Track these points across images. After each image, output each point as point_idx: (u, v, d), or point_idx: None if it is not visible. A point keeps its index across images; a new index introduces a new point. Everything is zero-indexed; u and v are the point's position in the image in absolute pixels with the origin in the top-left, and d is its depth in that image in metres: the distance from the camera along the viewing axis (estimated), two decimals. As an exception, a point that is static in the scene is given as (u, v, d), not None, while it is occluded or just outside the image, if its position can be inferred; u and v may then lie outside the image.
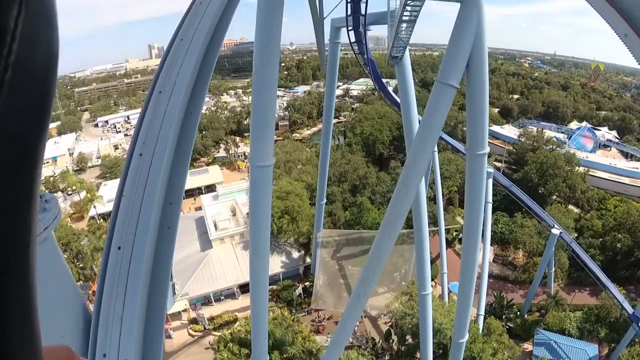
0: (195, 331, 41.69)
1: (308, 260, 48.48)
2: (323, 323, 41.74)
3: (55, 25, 0.73)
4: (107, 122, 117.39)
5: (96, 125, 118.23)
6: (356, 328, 39.31)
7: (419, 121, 20.74)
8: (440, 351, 31.29)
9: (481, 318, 35.07)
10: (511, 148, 73.00)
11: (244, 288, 44.31)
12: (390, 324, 37.49)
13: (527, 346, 37.99)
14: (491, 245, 50.72)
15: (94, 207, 57.49)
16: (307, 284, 46.20)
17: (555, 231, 33.60)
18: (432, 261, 45.43)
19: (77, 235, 44.86)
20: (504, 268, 49.85)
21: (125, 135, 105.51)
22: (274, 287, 46.06)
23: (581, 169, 59.10)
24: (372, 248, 15.86)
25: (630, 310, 28.74)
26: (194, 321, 42.47)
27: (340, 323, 19.64)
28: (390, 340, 34.49)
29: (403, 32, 19.32)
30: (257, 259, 14.05)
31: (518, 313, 39.87)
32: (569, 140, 76.40)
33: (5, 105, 0.60)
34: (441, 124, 12.64)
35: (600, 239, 44.31)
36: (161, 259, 4.33)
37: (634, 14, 8.67)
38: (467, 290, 18.57)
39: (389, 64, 23.22)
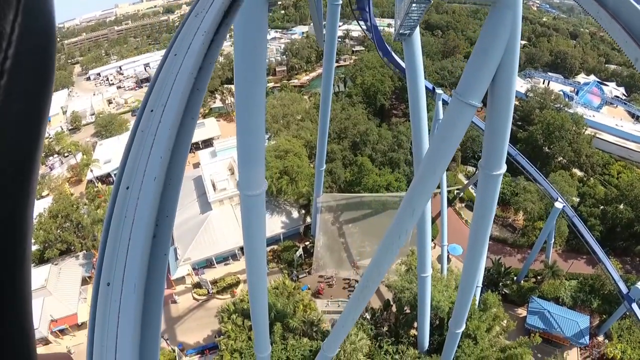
0: (200, 295, 42.84)
1: (308, 220, 48.49)
2: (331, 282, 42.68)
3: (53, 27, 0.76)
4: (99, 74, 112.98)
5: (88, 79, 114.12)
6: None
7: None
8: (437, 322, 32.24)
9: (478, 290, 35.72)
10: (517, 104, 70.41)
11: None
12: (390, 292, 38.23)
13: (522, 312, 39.27)
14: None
15: (91, 171, 56.80)
16: (307, 243, 46.50)
17: (559, 205, 33.10)
18: (432, 220, 45.65)
19: (75, 205, 44.59)
20: (503, 230, 50.15)
21: (118, 87, 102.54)
22: (275, 247, 46.51)
23: (588, 131, 57.51)
24: (373, 259, 15.36)
25: (624, 290, 29.14)
26: (197, 285, 43.60)
27: (339, 321, 19.83)
28: (389, 311, 35.28)
29: (414, 10, 17.03)
30: (255, 281, 13.50)
31: (515, 279, 40.72)
32: (577, 95, 73.60)
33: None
34: (455, 145, 11.33)
35: (602, 207, 44.07)
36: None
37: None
38: (469, 287, 18.35)
39: (396, 40, 20.95)
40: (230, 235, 45.16)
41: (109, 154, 61.87)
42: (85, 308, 39.87)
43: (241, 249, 44.80)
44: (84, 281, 42.58)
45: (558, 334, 33.67)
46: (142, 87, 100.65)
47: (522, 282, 40.75)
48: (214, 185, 48.71)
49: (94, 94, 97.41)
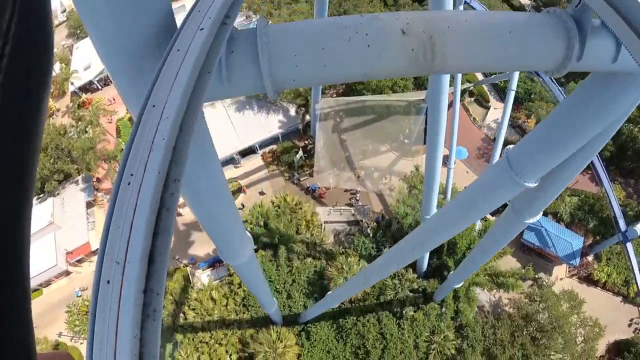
0: None
1: (308, 117, 45.80)
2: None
3: (50, 27, 0.78)
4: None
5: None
6: (358, 196, 40.62)
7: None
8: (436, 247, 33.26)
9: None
10: None
11: (244, 153, 44.14)
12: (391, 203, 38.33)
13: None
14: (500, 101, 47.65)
15: (72, 83, 52.01)
16: (307, 142, 45.06)
17: None
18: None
19: (62, 131, 42.19)
20: (512, 131, 47.89)
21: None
22: (274, 147, 45.22)
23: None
24: (377, 263, 14.49)
25: (622, 227, 28.87)
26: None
27: (343, 289, 20.15)
28: (390, 230, 35.51)
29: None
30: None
31: None
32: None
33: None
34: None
35: None
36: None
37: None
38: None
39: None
40: (227, 139, 42.94)
41: (88, 58, 55.42)
42: (95, 235, 41.33)
43: (240, 153, 43.96)
44: (88, 205, 43.12)
45: (551, 252, 35.16)
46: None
47: (523, 194, 40.73)
48: (201, 92, 45.01)
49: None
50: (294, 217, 35.86)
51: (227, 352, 30.49)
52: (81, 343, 36.37)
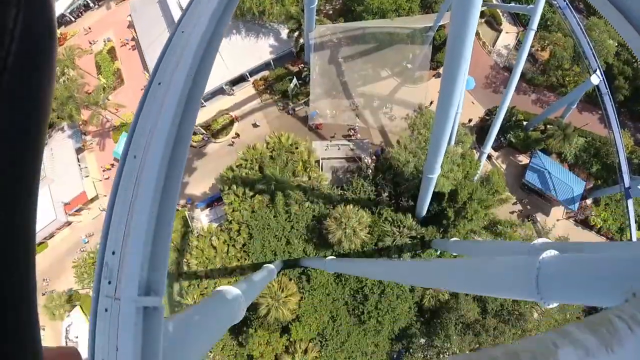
0: (194, 142, 40.85)
1: (301, 40, 41.67)
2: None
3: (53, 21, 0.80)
4: None
5: None
6: (357, 128, 39.28)
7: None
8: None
9: (484, 157, 34.50)
10: None
11: (235, 81, 41.79)
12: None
13: (522, 159, 39.46)
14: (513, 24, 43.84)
15: None
16: (301, 66, 41.95)
17: (595, 80, 27.92)
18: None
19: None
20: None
21: None
22: (265, 74, 42.51)
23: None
24: (373, 266, 14.13)
25: (627, 182, 27.72)
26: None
27: (341, 266, 19.91)
28: (390, 174, 34.45)
29: None
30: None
31: (524, 128, 38.77)
32: None
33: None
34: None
35: (635, 64, 37.64)
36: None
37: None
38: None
39: None
40: (213, 71, 40.17)
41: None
42: (89, 182, 40.69)
43: (230, 82, 41.48)
44: (78, 151, 41.81)
45: (551, 195, 34.78)
46: None
47: (530, 131, 39.15)
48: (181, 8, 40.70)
49: None
50: (290, 158, 34.39)
51: (231, 297, 31.80)
52: (91, 291, 38.02)
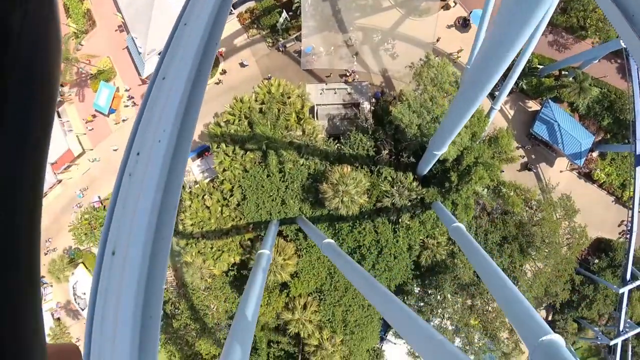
0: None
1: None
2: None
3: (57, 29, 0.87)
4: None
5: None
6: (356, 76, 36.49)
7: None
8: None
9: (494, 113, 32.04)
10: None
11: None
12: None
13: (532, 105, 37.35)
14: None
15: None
16: None
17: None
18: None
19: None
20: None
21: None
22: (252, 4, 38.47)
23: None
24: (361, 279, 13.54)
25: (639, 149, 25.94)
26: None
27: (335, 256, 19.25)
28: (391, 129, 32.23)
29: None
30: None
31: (538, 68, 35.84)
32: None
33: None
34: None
35: None
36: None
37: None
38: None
39: None
40: None
41: None
42: (73, 137, 38.77)
43: None
44: (58, 105, 39.18)
45: (558, 148, 33.26)
46: None
47: (543, 77, 36.29)
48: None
49: None
50: (282, 110, 31.62)
51: (229, 256, 31.99)
52: (92, 247, 38.24)
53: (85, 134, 39.38)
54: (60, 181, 38.64)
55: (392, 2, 36.92)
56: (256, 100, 31.89)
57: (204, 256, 31.98)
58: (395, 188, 29.60)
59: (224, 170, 31.53)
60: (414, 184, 29.26)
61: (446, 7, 38.22)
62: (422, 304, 31.72)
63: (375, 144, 31.24)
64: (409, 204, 29.42)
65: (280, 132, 31.14)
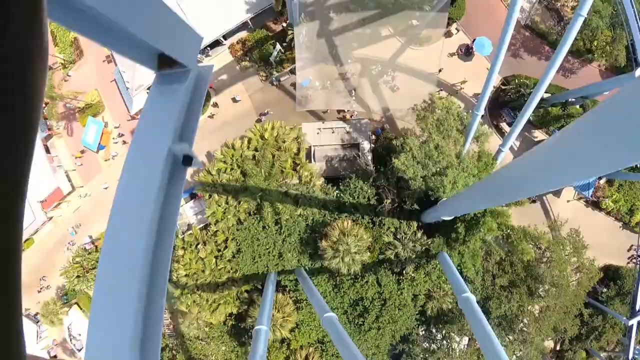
0: None
1: None
2: None
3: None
4: None
5: None
6: (355, 112, 35.05)
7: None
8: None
9: (502, 155, 30.23)
10: None
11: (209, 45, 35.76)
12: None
13: (539, 135, 35.91)
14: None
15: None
16: (284, 25, 35.53)
17: None
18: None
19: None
20: (545, 14, 37.70)
21: None
22: (244, 35, 36.71)
23: None
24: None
25: None
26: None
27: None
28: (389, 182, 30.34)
29: None
30: None
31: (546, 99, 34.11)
32: None
33: None
34: None
35: None
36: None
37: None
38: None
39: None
40: (211, 19, 33.89)
41: None
42: (62, 174, 37.45)
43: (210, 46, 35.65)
44: (47, 138, 37.74)
45: (568, 182, 32.05)
46: None
47: (549, 107, 34.57)
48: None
49: None
50: (277, 157, 29.85)
51: (226, 308, 30.71)
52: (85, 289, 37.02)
53: (74, 169, 37.97)
54: (50, 218, 37.46)
55: (391, 31, 34.73)
56: (248, 147, 30.20)
57: (199, 306, 30.76)
58: (398, 239, 28.17)
59: (217, 221, 30.05)
60: (419, 234, 27.68)
61: (447, 34, 36.29)
62: (427, 355, 30.56)
63: (376, 191, 29.31)
64: (414, 255, 27.97)
65: (276, 181, 29.45)
